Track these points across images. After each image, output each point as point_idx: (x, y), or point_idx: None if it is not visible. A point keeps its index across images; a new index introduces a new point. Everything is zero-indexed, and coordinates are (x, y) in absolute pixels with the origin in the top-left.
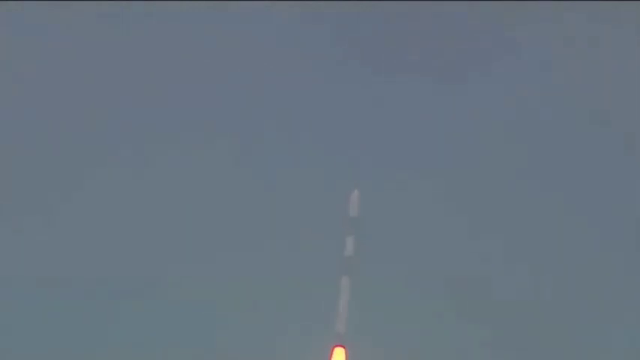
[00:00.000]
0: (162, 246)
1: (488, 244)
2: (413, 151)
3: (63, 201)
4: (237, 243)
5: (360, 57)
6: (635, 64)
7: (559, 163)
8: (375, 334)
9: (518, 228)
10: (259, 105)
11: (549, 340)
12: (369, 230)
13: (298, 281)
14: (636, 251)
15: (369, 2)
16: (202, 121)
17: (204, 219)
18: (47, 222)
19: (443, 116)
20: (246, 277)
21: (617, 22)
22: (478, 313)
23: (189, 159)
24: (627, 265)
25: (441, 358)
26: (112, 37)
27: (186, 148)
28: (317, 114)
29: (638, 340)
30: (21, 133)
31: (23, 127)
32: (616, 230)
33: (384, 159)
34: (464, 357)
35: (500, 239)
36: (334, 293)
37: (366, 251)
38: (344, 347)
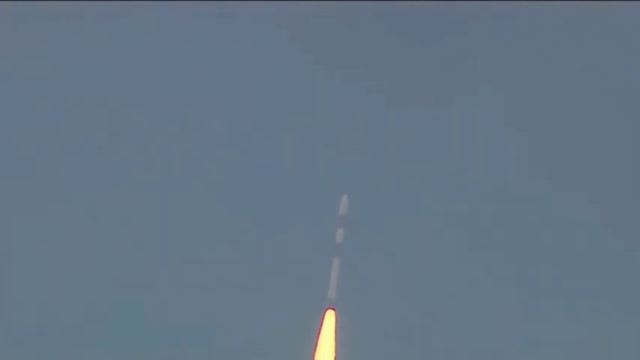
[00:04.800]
0: (171, 232)
1: (459, 238)
2: (394, 161)
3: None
4: (252, 233)
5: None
6: None
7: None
8: (357, 302)
9: (505, 224)
10: (263, 108)
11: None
12: (355, 224)
13: (301, 262)
14: None
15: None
16: (205, 124)
17: (218, 212)
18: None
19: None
20: (258, 261)
21: None
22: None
23: (197, 157)
24: None
25: (406, 320)
26: (110, 37)
27: (193, 147)
28: (316, 124)
29: None
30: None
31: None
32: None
33: (369, 168)
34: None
35: (474, 233)
36: (327, 270)
37: (351, 240)
38: (334, 309)
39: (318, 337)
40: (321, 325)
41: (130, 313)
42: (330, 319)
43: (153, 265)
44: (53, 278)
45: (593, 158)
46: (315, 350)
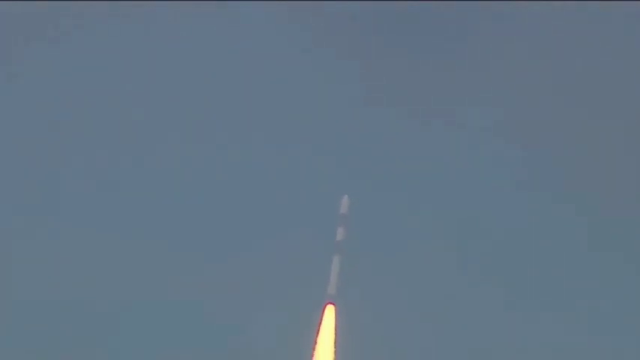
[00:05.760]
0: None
1: (456, 237)
2: (394, 162)
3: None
4: (255, 232)
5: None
6: None
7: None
8: (355, 297)
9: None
10: (265, 111)
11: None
12: (354, 223)
13: (302, 259)
14: None
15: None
16: (208, 125)
17: (221, 211)
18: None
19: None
20: (261, 259)
21: None
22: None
23: (200, 158)
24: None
25: (403, 316)
26: (110, 37)
27: (195, 148)
28: (321, 128)
29: None
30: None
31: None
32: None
33: (368, 170)
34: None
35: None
36: (328, 268)
37: (351, 238)
38: (334, 304)
39: (318, 331)
40: (321, 320)
41: (130, 313)
42: (330, 313)
43: (153, 265)
44: (53, 278)
45: (591, 160)
46: (315, 346)
